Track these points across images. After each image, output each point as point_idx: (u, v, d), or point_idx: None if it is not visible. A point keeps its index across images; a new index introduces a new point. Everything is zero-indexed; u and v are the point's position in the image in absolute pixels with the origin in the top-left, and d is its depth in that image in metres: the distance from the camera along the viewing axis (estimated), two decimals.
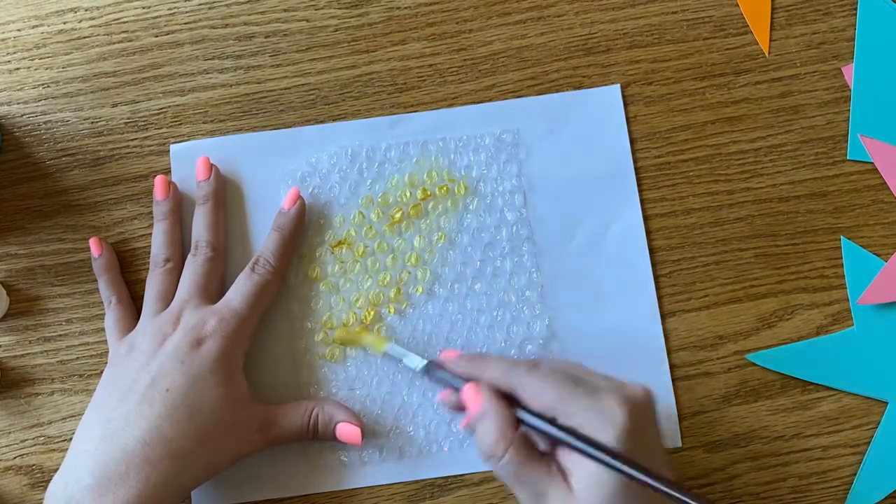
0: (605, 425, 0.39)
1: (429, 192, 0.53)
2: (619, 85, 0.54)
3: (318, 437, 0.49)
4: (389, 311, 0.52)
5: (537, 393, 0.41)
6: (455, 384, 0.45)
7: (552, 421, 0.40)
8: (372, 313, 0.52)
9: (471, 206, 0.53)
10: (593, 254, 0.53)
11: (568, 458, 0.40)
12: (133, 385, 0.46)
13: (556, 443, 0.41)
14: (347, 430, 0.48)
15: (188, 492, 0.47)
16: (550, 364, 0.43)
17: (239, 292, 0.49)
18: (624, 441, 0.38)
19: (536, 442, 0.42)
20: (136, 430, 0.44)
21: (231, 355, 0.47)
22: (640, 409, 0.40)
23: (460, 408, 0.44)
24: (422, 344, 0.51)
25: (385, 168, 0.53)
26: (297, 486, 0.50)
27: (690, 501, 0.37)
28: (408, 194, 0.53)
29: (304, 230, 0.53)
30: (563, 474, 0.40)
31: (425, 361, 0.48)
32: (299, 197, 0.52)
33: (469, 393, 0.43)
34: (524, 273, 0.52)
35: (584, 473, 0.39)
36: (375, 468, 0.50)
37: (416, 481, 0.50)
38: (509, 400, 0.42)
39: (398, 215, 0.53)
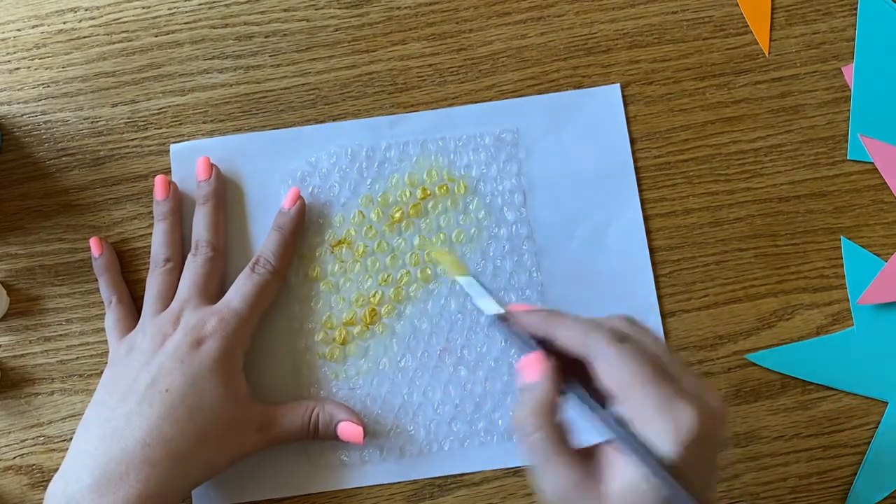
0: (672, 430, 0.35)
1: (428, 192, 0.53)
2: (618, 84, 0.54)
3: (319, 437, 0.49)
4: (389, 311, 0.52)
5: (613, 368, 0.36)
6: (526, 343, 0.41)
7: (607, 410, 0.36)
8: (372, 312, 0.52)
9: (471, 206, 0.53)
10: (593, 252, 0.53)
11: (610, 460, 0.36)
12: (133, 385, 0.46)
13: (598, 444, 0.37)
14: (349, 429, 0.48)
15: (188, 492, 0.47)
16: (638, 340, 0.38)
17: (239, 292, 0.49)
18: (686, 455, 0.34)
19: (580, 440, 0.38)
20: (135, 431, 0.44)
21: (231, 355, 0.47)
22: (714, 425, 0.36)
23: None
24: (422, 343, 0.51)
25: (385, 167, 0.53)
26: (298, 485, 0.50)
27: None
28: (408, 194, 0.53)
29: (304, 230, 0.53)
30: (597, 478, 0.36)
31: (500, 310, 0.43)
32: (299, 197, 0.52)
33: (529, 362, 0.39)
34: (524, 272, 0.52)
35: (625, 479, 0.35)
36: (376, 468, 0.50)
37: (416, 481, 0.50)
38: (580, 370, 0.38)
39: (398, 215, 0.53)
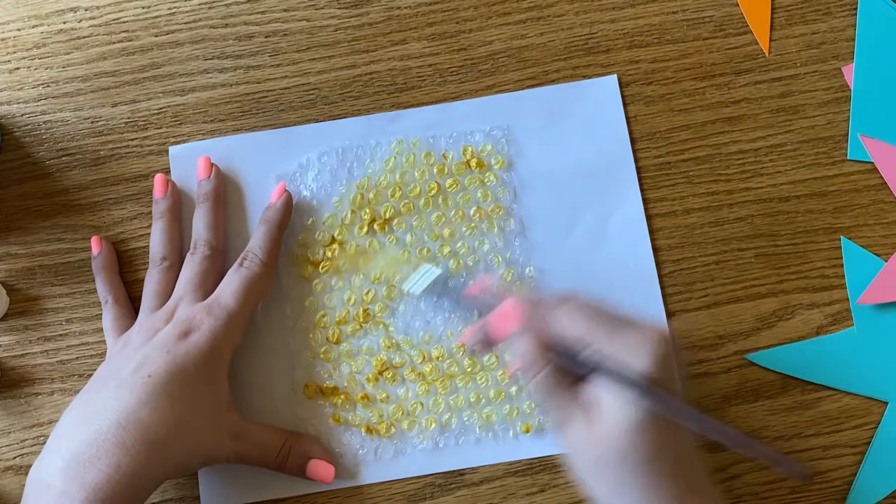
0: (639, 354, 0.39)
1: (419, 190, 0.53)
2: (615, 75, 0.54)
3: (285, 471, 0.49)
4: (382, 309, 0.52)
5: (572, 321, 0.41)
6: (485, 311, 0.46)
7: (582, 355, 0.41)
8: (365, 311, 0.52)
9: (461, 203, 0.53)
10: (593, 248, 0.52)
11: (596, 390, 0.40)
12: (117, 373, 0.46)
13: (581, 378, 0.41)
14: (320, 468, 0.48)
15: (156, 485, 0.45)
16: (578, 299, 0.43)
17: (228, 288, 0.49)
18: (660, 369, 0.39)
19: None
20: (111, 413, 0.43)
21: (218, 349, 0.47)
22: (668, 344, 0.40)
23: (488, 343, 0.45)
24: (416, 341, 0.51)
25: (376, 166, 0.53)
26: (298, 485, 0.50)
27: (722, 431, 0.39)
28: (398, 192, 0.53)
29: (296, 229, 0.53)
30: (589, 405, 0.40)
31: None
32: (285, 191, 0.52)
33: (504, 317, 0.43)
34: (517, 269, 0.52)
35: (613, 403, 0.39)
36: (375, 467, 0.50)
37: (416, 480, 0.50)
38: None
39: (389, 213, 0.53)
